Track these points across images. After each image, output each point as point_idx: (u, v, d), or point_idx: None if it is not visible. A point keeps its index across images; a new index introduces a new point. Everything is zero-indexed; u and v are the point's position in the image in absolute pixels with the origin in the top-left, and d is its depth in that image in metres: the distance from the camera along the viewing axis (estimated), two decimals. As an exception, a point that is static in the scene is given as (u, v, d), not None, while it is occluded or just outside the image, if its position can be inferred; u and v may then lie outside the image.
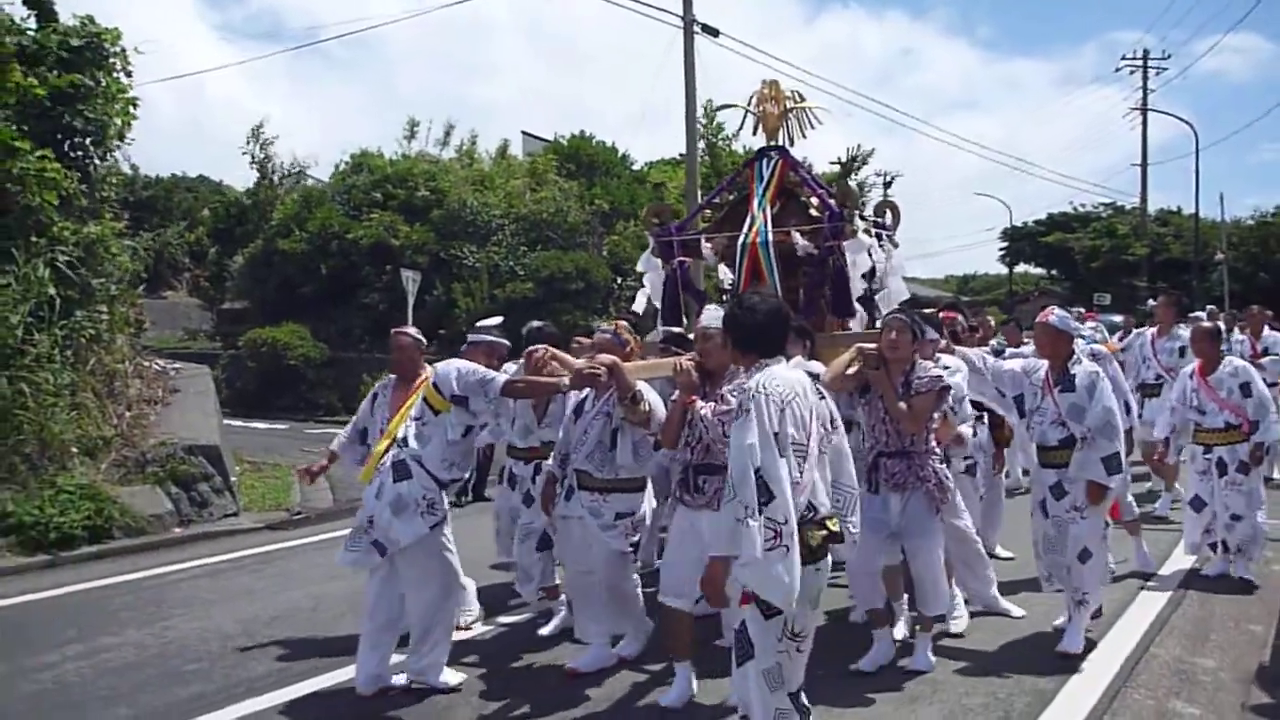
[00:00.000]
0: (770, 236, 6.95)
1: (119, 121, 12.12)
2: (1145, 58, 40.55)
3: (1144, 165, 40.38)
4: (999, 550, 7.79)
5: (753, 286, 6.70)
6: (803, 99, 7.84)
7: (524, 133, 31.49)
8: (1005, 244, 47.35)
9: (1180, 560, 7.83)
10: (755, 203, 7.28)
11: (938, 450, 5.48)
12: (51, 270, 10.14)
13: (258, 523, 10.50)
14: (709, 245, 7.40)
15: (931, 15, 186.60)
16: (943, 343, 6.02)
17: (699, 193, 18.68)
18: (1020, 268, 50.29)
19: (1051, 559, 5.85)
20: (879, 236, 7.30)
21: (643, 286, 7.83)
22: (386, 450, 5.25)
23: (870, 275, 7.04)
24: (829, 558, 3.78)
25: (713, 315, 4.91)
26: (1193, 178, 35.66)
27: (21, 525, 8.75)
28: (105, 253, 11.06)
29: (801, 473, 3.57)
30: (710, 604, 3.90)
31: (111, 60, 11.96)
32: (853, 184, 6.88)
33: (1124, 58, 41.39)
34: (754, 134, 7.86)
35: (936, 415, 5.46)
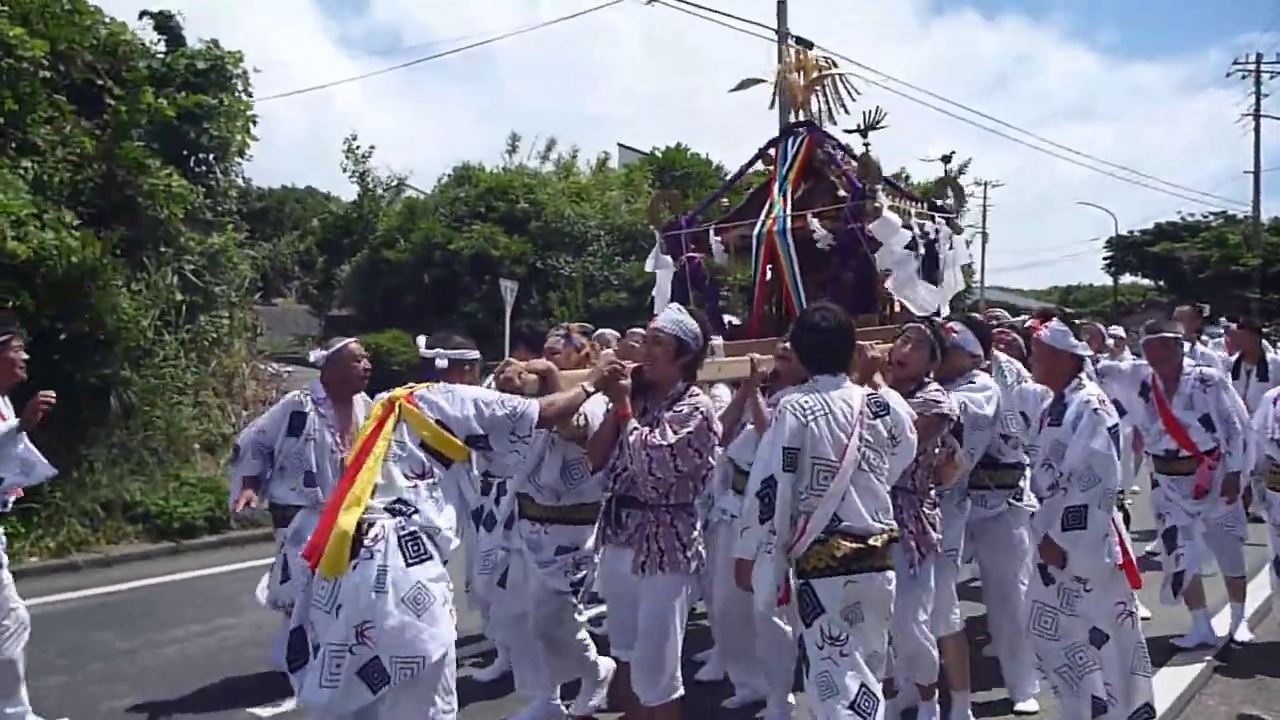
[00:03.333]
0: (789, 224, 5.99)
1: (239, 138, 12.92)
2: (1259, 61, 39.30)
3: (1256, 172, 39.16)
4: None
5: (770, 281, 6.21)
6: (834, 65, 6.81)
7: (620, 145, 31.96)
8: (1110, 254, 46.33)
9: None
10: (775, 187, 6.35)
11: (931, 494, 4.50)
12: (179, 278, 10.90)
13: (365, 516, 11.05)
14: (719, 239, 6.43)
15: (1051, 20, 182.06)
16: (985, 360, 5.04)
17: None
18: (1126, 278, 49.15)
19: (1047, 644, 4.47)
20: (936, 219, 6.27)
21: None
22: (362, 522, 3.45)
23: (921, 257, 5.89)
24: (878, 573, 3.73)
25: (669, 317, 4.14)
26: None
27: (149, 514, 9.50)
28: (227, 262, 11.82)
29: (824, 487, 3.68)
30: (739, 585, 3.96)
31: (234, 80, 12.76)
32: (874, 155, 5.95)
33: (1235, 62, 40.20)
34: (788, 110, 6.86)
35: (939, 451, 4.46)
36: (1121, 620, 4.31)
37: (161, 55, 12.84)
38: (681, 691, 4.09)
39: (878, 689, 3.70)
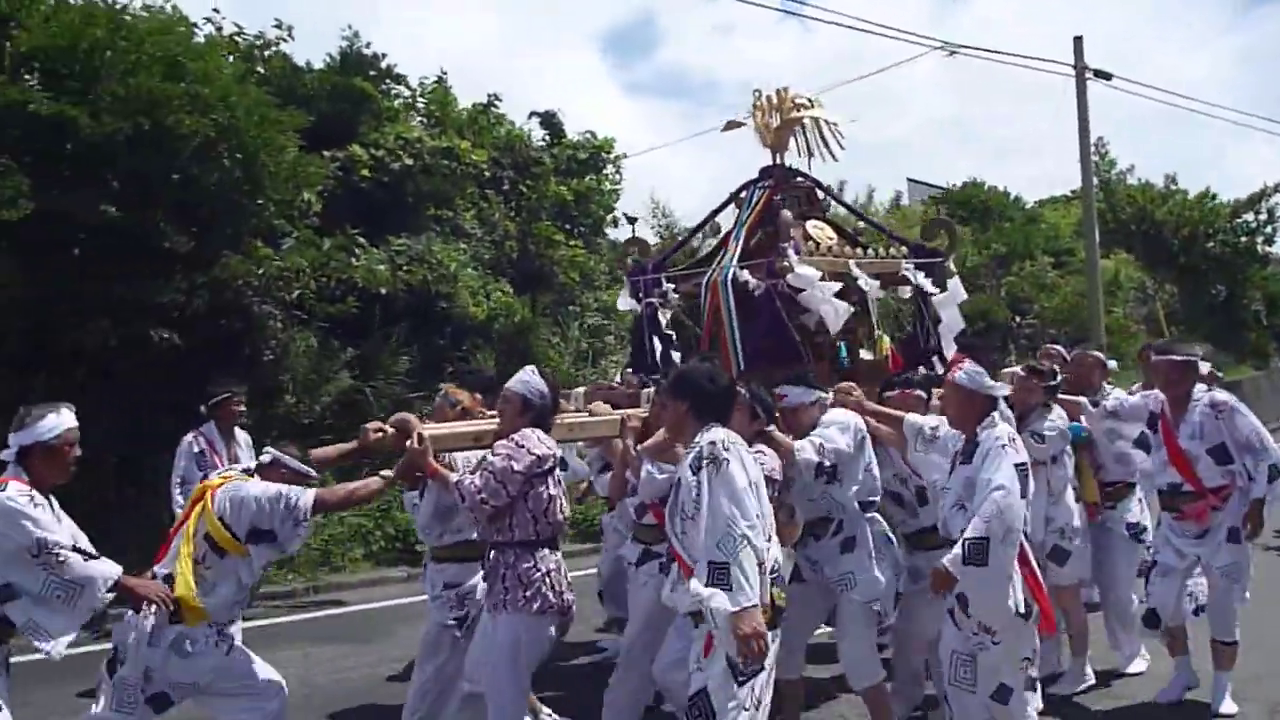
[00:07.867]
0: (733, 273, 5.85)
1: (612, 211, 15.57)
2: None
3: None
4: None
5: (715, 328, 6.00)
6: (813, 104, 6.41)
7: (910, 180, 32.72)
8: None
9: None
10: (732, 235, 6.25)
11: None
12: (582, 329, 13.44)
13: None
14: (673, 287, 6.41)
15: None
16: (828, 399, 4.88)
17: (1095, 231, 19.36)
18: None
19: (966, 699, 4.13)
20: (929, 266, 6.19)
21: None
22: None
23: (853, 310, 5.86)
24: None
25: (519, 377, 4.25)
26: None
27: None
28: (618, 315, 14.31)
29: (768, 531, 3.63)
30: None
31: (606, 164, 15.43)
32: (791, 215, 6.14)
33: None
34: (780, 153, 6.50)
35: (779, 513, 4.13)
36: (1024, 674, 4.14)
37: (543, 146, 15.65)
38: None
39: None
